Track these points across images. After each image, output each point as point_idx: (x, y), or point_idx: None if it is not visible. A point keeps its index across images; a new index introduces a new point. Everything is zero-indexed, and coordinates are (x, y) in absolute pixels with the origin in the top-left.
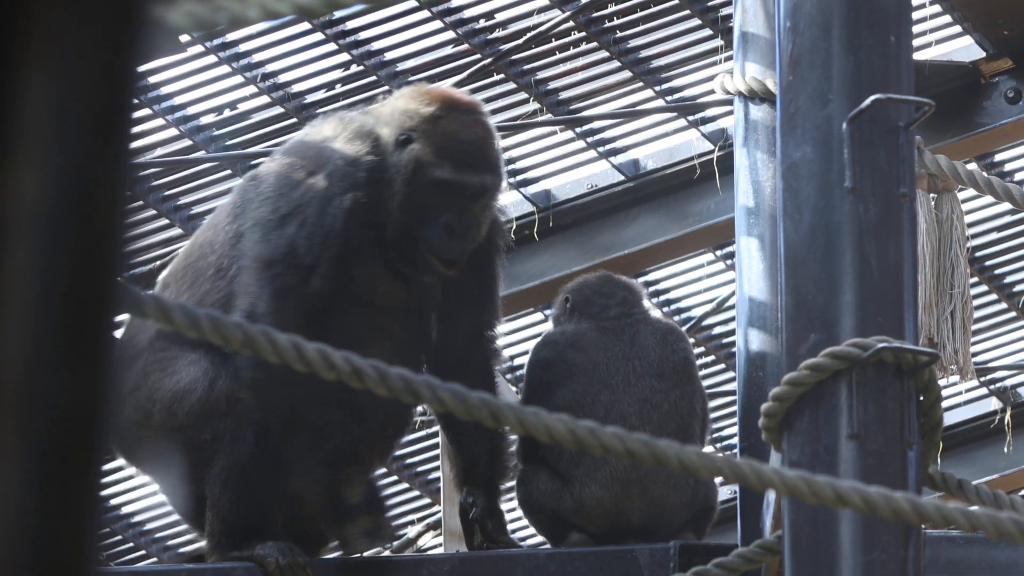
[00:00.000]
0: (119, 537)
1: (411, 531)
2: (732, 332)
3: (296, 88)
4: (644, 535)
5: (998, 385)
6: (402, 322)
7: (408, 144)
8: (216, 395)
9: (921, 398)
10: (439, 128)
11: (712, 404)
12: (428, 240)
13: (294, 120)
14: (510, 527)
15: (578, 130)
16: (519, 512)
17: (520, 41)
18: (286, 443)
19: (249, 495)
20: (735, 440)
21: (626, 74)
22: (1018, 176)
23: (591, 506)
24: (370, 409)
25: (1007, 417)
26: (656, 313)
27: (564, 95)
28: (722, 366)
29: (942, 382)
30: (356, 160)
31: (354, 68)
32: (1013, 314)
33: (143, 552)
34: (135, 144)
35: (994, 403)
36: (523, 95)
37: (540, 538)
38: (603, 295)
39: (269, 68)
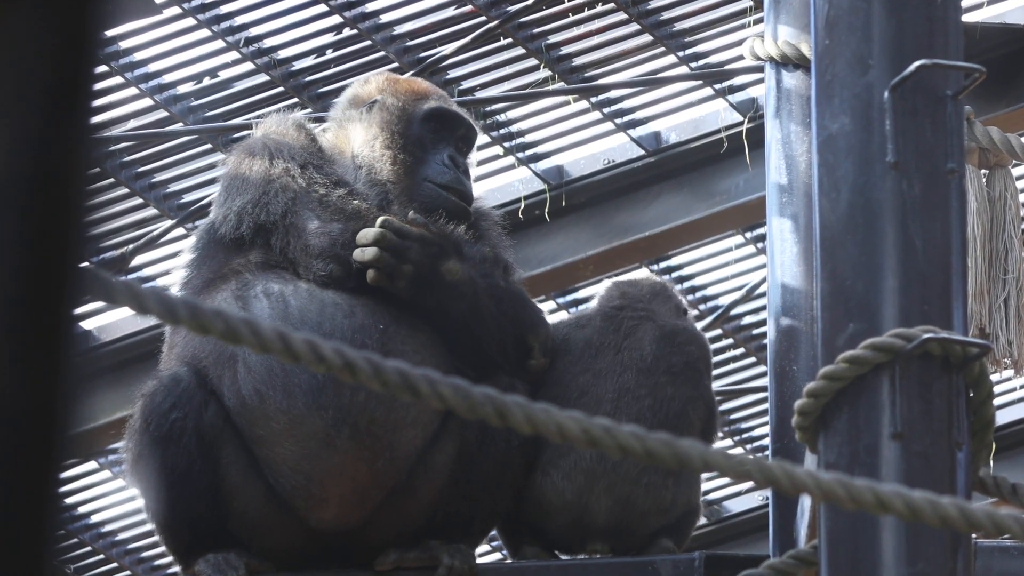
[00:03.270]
0: (88, 548)
1: None
2: (763, 322)
3: (283, 54)
4: (609, 538)
5: None
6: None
7: (375, 104)
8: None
9: (971, 394)
10: (400, 85)
11: (741, 401)
12: (432, 176)
13: (280, 89)
14: None
15: (594, 100)
16: None
17: (530, 2)
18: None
19: (174, 510)
20: (766, 441)
21: (646, 38)
22: None
23: (550, 499)
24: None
25: None
26: (668, 315)
27: (578, 61)
28: (752, 359)
29: (994, 376)
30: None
31: (347, 32)
32: None
33: (115, 565)
34: (100, 115)
35: None
36: (533, 61)
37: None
38: (619, 291)
39: (253, 32)
